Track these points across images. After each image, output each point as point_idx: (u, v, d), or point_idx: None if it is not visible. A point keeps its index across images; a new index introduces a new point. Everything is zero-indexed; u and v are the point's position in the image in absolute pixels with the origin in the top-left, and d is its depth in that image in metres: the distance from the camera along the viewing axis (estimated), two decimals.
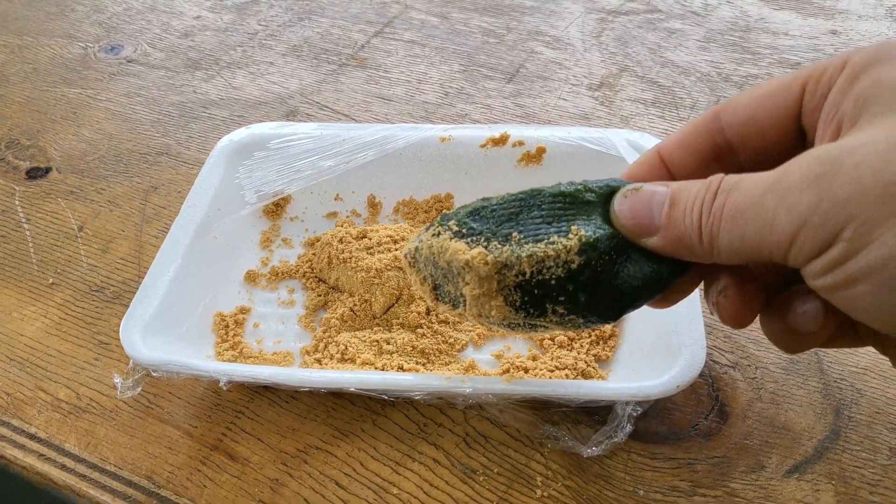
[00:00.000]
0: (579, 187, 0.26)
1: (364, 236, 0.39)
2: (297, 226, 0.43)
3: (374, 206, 0.44)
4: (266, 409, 0.35)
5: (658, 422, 0.34)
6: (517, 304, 0.26)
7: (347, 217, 0.43)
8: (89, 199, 0.47)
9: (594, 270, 0.25)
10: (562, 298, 0.25)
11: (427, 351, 0.36)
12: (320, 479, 0.33)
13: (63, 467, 0.34)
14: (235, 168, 0.42)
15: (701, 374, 0.36)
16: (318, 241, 0.41)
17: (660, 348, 0.34)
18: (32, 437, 0.35)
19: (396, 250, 0.38)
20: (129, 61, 0.59)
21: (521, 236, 0.26)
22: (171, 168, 0.49)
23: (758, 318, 0.25)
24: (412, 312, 0.37)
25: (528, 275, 0.25)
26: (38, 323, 0.40)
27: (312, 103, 0.53)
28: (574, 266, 0.25)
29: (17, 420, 0.36)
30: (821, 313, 0.24)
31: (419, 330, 0.36)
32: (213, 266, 0.39)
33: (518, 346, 0.37)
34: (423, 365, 0.35)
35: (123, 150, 0.50)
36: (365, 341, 0.36)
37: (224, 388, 0.33)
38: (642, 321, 0.36)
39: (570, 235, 0.25)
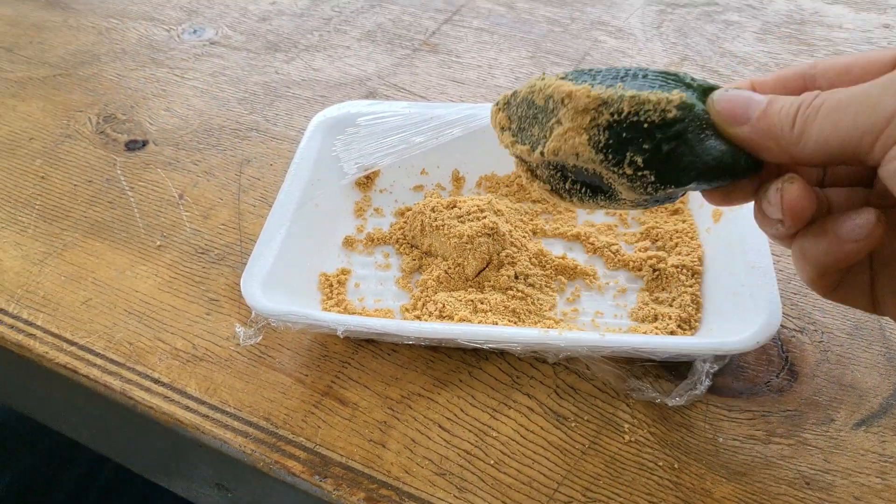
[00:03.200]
0: (683, 74, 0.28)
1: (454, 206, 0.42)
2: (387, 197, 0.46)
3: (457, 180, 0.47)
4: (370, 360, 0.39)
5: (733, 378, 0.37)
6: (600, 144, 0.27)
7: (433, 190, 0.46)
8: (186, 170, 0.50)
9: (684, 127, 0.26)
10: (645, 146, 0.26)
11: (518, 310, 0.39)
12: (424, 423, 0.36)
13: (187, 408, 0.37)
14: (331, 142, 0.45)
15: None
16: (408, 210, 0.44)
17: (738, 309, 0.36)
18: (156, 381, 0.38)
19: (484, 218, 0.41)
20: (211, 43, 0.63)
21: (625, 86, 0.27)
22: (262, 142, 0.52)
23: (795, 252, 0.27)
24: (502, 276, 0.40)
25: (623, 114, 0.26)
26: (150, 281, 0.43)
27: (390, 85, 0.56)
28: (668, 116, 0.26)
29: (141, 366, 0.39)
30: (872, 221, 0.25)
31: (509, 292, 0.39)
32: (316, 231, 0.42)
33: (607, 313, 0.40)
34: (515, 323, 0.38)
35: (214, 125, 0.54)
36: (461, 300, 0.39)
37: (340, 337, 0.36)
38: (720, 286, 0.39)
39: (673, 92, 0.26)
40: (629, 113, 0.26)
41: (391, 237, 0.43)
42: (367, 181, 0.46)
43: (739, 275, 0.37)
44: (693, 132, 0.26)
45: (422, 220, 0.42)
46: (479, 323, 0.38)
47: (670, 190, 0.28)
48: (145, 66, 0.60)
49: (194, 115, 0.55)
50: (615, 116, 0.27)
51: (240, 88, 0.57)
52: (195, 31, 0.64)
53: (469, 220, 0.41)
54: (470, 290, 0.40)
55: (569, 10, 0.64)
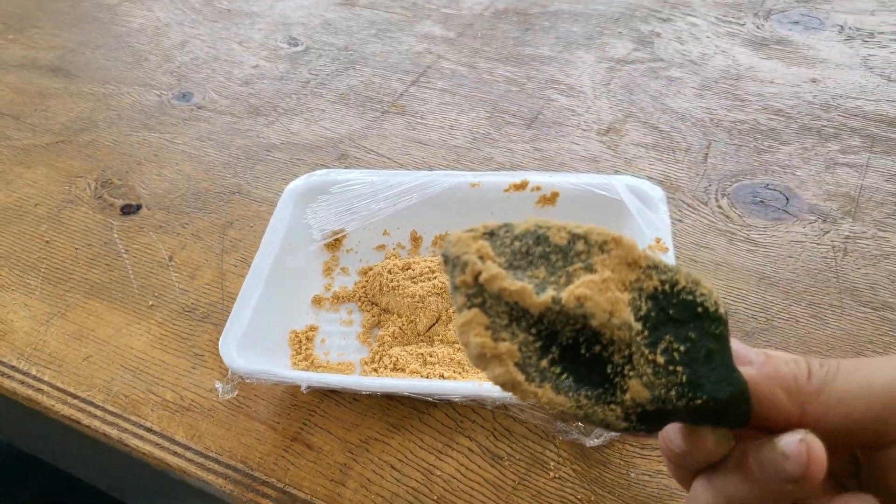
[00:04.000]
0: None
1: (409, 268, 0.48)
2: (353, 256, 0.52)
3: (416, 239, 0.52)
4: (333, 407, 0.44)
5: None
6: (641, 311, 0.23)
7: (394, 249, 0.52)
8: (175, 233, 0.56)
9: (726, 331, 0.23)
10: (691, 335, 0.23)
11: (464, 362, 0.44)
12: (379, 464, 0.42)
13: (175, 453, 0.43)
14: (302, 209, 0.51)
15: None
16: (370, 269, 0.50)
17: None
18: (149, 430, 0.44)
19: (434, 279, 0.47)
20: (199, 108, 0.69)
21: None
22: (243, 205, 0.58)
23: None
24: (450, 331, 0.46)
25: (677, 287, 0.23)
26: (143, 338, 0.49)
27: (360, 147, 0.62)
28: (719, 311, 0.23)
29: (135, 416, 0.45)
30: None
31: (455, 345, 0.45)
32: (287, 291, 0.48)
33: None
34: (460, 374, 0.44)
35: (201, 188, 0.60)
36: (412, 354, 0.45)
37: (304, 392, 0.41)
38: None
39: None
40: (683, 289, 0.23)
41: (354, 295, 0.49)
42: (335, 242, 0.52)
43: None
44: (726, 341, 0.23)
45: (380, 281, 0.48)
46: (427, 374, 0.43)
47: (681, 404, 0.23)
48: (138, 131, 0.66)
49: (183, 179, 0.61)
50: (666, 287, 0.23)
51: (223, 153, 0.63)
52: (184, 96, 0.70)
53: (421, 280, 0.47)
54: (421, 343, 0.46)
55: (525, 69, 0.70)
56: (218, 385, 0.43)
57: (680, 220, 0.54)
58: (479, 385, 0.40)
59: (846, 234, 0.52)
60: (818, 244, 0.52)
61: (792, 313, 0.47)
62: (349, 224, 0.51)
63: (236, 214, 0.57)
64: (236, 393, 0.43)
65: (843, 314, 0.47)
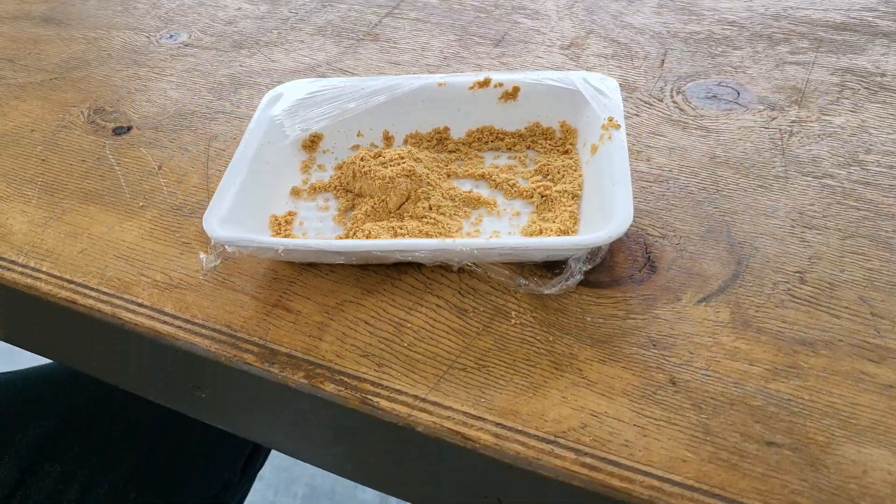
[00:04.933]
0: None
1: (380, 156, 0.51)
2: (329, 156, 0.55)
3: (388, 139, 0.56)
4: (312, 279, 0.47)
5: (604, 275, 0.46)
6: None
7: (368, 148, 0.55)
8: (164, 147, 0.59)
9: None
10: None
11: (430, 233, 0.48)
12: (354, 321, 0.45)
13: (164, 322, 0.46)
14: (280, 112, 0.54)
15: (636, 242, 0.48)
16: (345, 163, 0.53)
17: (602, 219, 0.45)
18: (140, 304, 0.47)
19: (403, 163, 0.50)
20: (185, 45, 0.72)
21: None
22: (227, 122, 0.61)
23: None
24: (419, 208, 0.49)
25: None
26: (135, 233, 0.52)
27: (336, 70, 0.66)
28: None
29: (128, 295, 0.48)
30: None
31: (424, 219, 0.48)
32: (267, 183, 0.51)
33: (503, 231, 0.49)
34: None
35: (187, 111, 0.63)
36: (384, 227, 0.48)
37: (280, 254, 0.45)
38: (593, 204, 0.48)
39: None
40: None
41: (330, 185, 0.53)
42: (311, 144, 0.55)
43: (606, 193, 0.46)
44: None
45: (353, 169, 0.51)
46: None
47: None
48: (129, 68, 0.69)
49: (171, 103, 0.64)
50: None
51: (209, 80, 0.66)
52: (171, 36, 0.73)
53: (391, 165, 0.50)
54: (392, 220, 0.49)
55: None
56: (202, 256, 0.46)
57: (636, 115, 0.57)
58: (441, 241, 0.43)
59: (793, 118, 0.55)
60: (766, 128, 0.55)
61: (740, 184, 0.51)
62: (324, 122, 0.54)
63: (221, 130, 0.60)
64: (219, 261, 0.46)
65: (788, 183, 0.50)
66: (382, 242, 0.44)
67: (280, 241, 0.44)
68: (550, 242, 0.43)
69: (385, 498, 1.37)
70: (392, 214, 0.49)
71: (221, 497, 0.84)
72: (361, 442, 0.44)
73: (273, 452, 1.45)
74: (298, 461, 1.44)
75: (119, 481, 0.72)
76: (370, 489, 1.38)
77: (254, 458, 0.88)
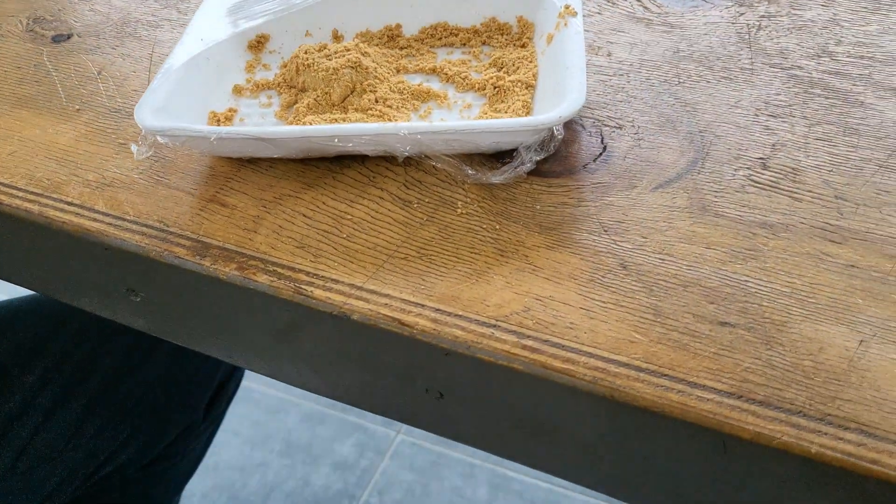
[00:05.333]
0: None
1: (325, 48, 0.48)
2: (275, 56, 0.53)
3: (337, 37, 0.53)
4: (251, 174, 0.45)
5: (556, 165, 0.44)
6: None
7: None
8: (106, 53, 0.56)
9: None
10: None
11: None
12: (291, 214, 0.42)
13: (94, 220, 0.44)
14: (223, 9, 0.52)
15: (592, 133, 0.45)
16: (290, 58, 0.51)
17: (555, 105, 0.43)
18: (69, 203, 0.45)
19: (349, 55, 0.47)
20: None
21: None
22: (172, 29, 0.58)
23: None
24: (364, 100, 0.46)
25: None
26: (69, 134, 0.50)
27: None
28: None
29: (57, 195, 0.45)
30: None
31: (369, 111, 0.46)
32: (208, 80, 0.49)
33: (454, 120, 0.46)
34: None
35: (132, 18, 0.60)
36: (326, 120, 0.45)
37: (213, 144, 0.42)
38: (547, 92, 0.45)
39: None
40: None
41: (274, 82, 0.50)
42: (258, 44, 0.53)
43: (559, 79, 0.44)
44: None
45: (297, 62, 0.48)
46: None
47: None
48: None
49: (115, 11, 0.61)
50: None
51: None
52: None
53: (336, 57, 0.48)
54: (335, 112, 0.46)
55: None
56: (133, 147, 0.44)
57: (598, 13, 0.54)
58: (381, 125, 0.41)
59: (762, 13, 0.53)
60: (734, 24, 0.52)
61: (703, 76, 0.48)
62: (269, 17, 0.52)
63: (167, 37, 0.58)
64: (151, 152, 0.44)
65: (754, 74, 0.48)
66: (319, 128, 0.41)
67: (213, 130, 0.42)
68: (497, 124, 0.41)
69: (361, 451, 1.35)
70: (336, 107, 0.47)
71: (184, 437, 0.82)
72: (301, 339, 0.41)
73: (247, 407, 1.43)
74: (275, 414, 1.42)
75: (77, 412, 0.70)
76: (348, 443, 1.37)
77: (218, 399, 0.86)
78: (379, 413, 0.43)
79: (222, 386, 0.86)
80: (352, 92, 0.47)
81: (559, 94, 0.43)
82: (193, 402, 0.82)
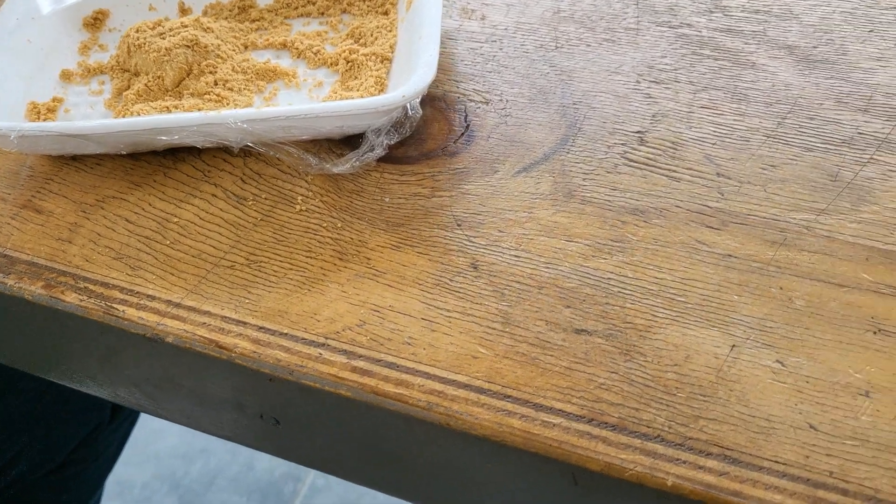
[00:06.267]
0: None
1: (160, 25, 0.43)
2: (115, 35, 0.47)
3: (184, 11, 0.47)
4: (73, 174, 0.40)
5: (412, 149, 0.39)
6: None
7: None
8: None
9: None
10: None
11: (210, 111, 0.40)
12: (113, 219, 0.37)
13: None
14: None
15: (456, 110, 0.40)
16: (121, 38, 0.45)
17: (408, 81, 0.38)
18: None
19: (185, 32, 0.42)
20: None
21: None
22: None
23: None
24: (202, 83, 0.41)
25: None
26: None
27: None
28: None
29: None
30: None
31: (206, 96, 0.41)
32: (31, 66, 0.43)
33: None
34: None
35: None
36: (157, 108, 0.40)
37: (13, 141, 0.37)
38: (403, 66, 0.40)
39: None
40: None
41: (108, 66, 0.44)
42: (95, 21, 0.47)
43: (414, 52, 0.39)
44: None
45: (128, 42, 0.43)
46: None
47: None
48: None
49: None
50: None
51: None
52: None
53: (171, 36, 0.42)
54: (168, 98, 0.41)
55: None
56: None
57: None
58: (206, 114, 0.36)
59: None
60: None
61: (584, 39, 0.43)
62: None
63: None
64: None
65: (639, 35, 0.43)
66: (130, 121, 0.36)
67: (10, 126, 0.36)
68: (330, 107, 0.36)
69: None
70: (169, 93, 0.41)
71: (93, 439, 0.77)
72: (126, 364, 0.37)
73: None
74: None
75: None
76: None
77: None
78: (231, 440, 0.39)
79: None
80: (188, 74, 0.41)
81: (411, 69, 0.38)
82: (95, 403, 0.77)
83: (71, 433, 0.75)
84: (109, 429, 0.80)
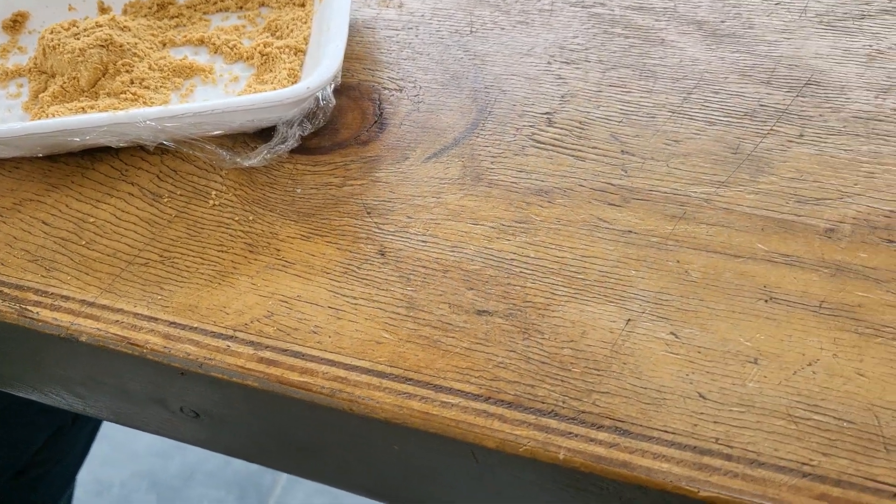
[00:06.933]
0: None
1: (74, 26, 0.43)
2: (35, 37, 0.47)
3: (104, 10, 0.47)
4: None
5: (326, 139, 0.39)
6: None
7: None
8: None
9: None
10: None
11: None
12: (30, 222, 0.38)
13: None
14: None
15: (370, 98, 0.41)
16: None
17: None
18: None
19: (100, 31, 0.42)
20: None
21: None
22: None
23: None
24: (117, 83, 0.41)
25: None
26: None
27: None
28: None
29: None
30: None
31: (122, 96, 0.41)
32: None
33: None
34: None
35: None
36: (72, 109, 0.40)
37: None
38: (315, 57, 0.40)
39: None
40: None
41: (26, 69, 0.44)
42: (14, 24, 0.47)
43: (323, 43, 0.39)
44: None
45: (43, 45, 0.43)
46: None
47: None
48: None
49: None
50: None
51: None
52: None
53: (85, 35, 0.42)
54: (83, 99, 0.41)
55: None
56: None
57: None
58: (114, 114, 0.36)
59: None
60: None
61: (498, 23, 0.43)
62: None
63: None
64: None
65: (553, 16, 0.43)
66: (40, 124, 0.37)
67: None
68: (235, 102, 0.36)
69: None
70: (85, 93, 0.41)
71: (56, 440, 0.78)
72: (49, 365, 0.37)
73: None
74: None
75: None
76: None
77: None
78: (160, 434, 0.39)
79: None
80: (104, 74, 0.42)
81: (320, 60, 0.38)
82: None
83: (33, 436, 0.75)
84: (73, 429, 0.80)
